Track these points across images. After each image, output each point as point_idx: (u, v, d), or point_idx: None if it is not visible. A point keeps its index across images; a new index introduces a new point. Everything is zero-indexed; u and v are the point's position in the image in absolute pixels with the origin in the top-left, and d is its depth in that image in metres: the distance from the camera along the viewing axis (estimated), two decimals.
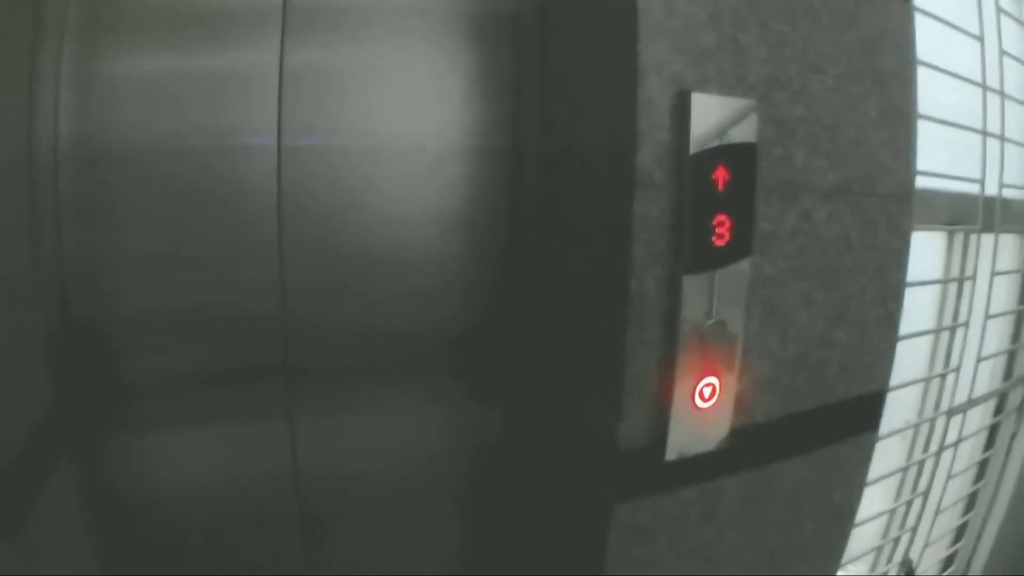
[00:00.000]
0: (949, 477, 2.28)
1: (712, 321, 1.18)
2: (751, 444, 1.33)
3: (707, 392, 1.21)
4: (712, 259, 1.16)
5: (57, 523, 1.14)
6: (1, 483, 0.95)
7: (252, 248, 1.20)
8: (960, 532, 2.61)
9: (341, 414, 1.31)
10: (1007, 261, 2.33)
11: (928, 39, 1.75)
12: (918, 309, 2.00)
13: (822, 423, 1.45)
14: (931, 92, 1.79)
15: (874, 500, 2.03)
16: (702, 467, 1.28)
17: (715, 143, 1.14)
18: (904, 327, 1.64)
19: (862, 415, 1.56)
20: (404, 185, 1.26)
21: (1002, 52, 2.15)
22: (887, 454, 2.04)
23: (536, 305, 1.30)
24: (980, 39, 2.04)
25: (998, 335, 2.43)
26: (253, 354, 1.25)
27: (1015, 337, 2.51)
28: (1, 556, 0.92)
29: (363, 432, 1.32)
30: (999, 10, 2.15)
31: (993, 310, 2.21)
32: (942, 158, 1.87)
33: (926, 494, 2.21)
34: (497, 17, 1.29)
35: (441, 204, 1.28)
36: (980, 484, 2.58)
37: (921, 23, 1.68)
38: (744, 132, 1.17)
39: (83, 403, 1.18)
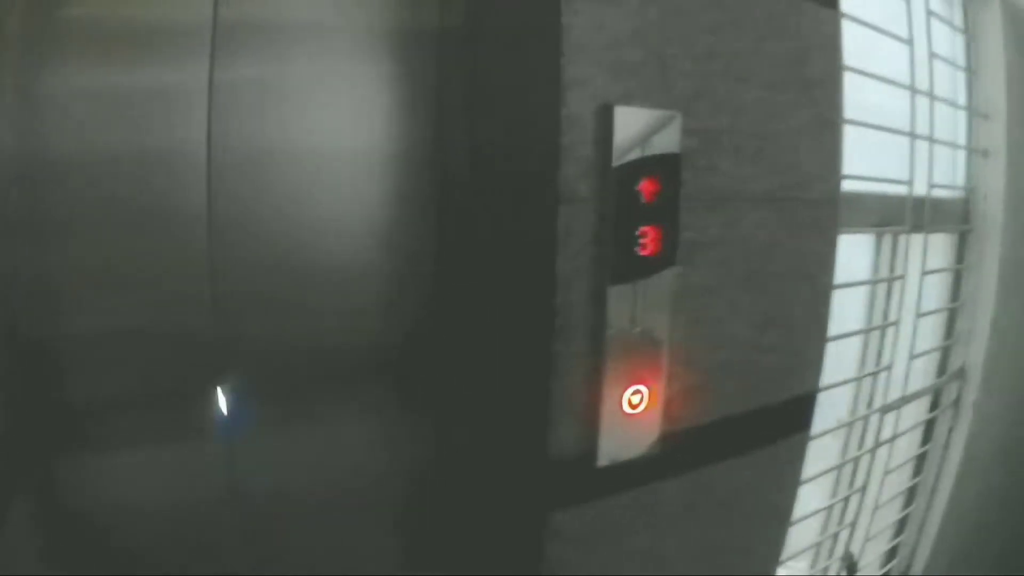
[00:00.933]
0: (886, 472, 2.32)
1: (638, 330, 1.19)
2: (683, 449, 1.35)
3: (636, 399, 1.23)
4: (637, 270, 1.18)
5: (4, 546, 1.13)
6: None
7: (183, 265, 1.17)
8: (902, 525, 2.65)
9: (278, 431, 1.28)
10: (937, 260, 2.37)
11: (857, 42, 1.78)
12: (849, 309, 2.04)
13: (753, 426, 1.48)
14: (860, 95, 1.82)
15: (812, 497, 2.06)
16: (635, 473, 1.30)
17: (638, 155, 1.15)
18: (835, 328, 1.68)
19: (793, 417, 1.59)
20: (334, 199, 1.24)
21: (932, 55, 2.19)
22: (823, 452, 2.08)
23: (466, 317, 1.30)
24: (909, 42, 2.08)
25: (931, 332, 2.47)
26: (187, 372, 1.21)
27: (948, 333, 2.56)
28: None
29: (300, 447, 1.30)
30: (929, 12, 2.19)
31: (924, 308, 2.25)
32: (872, 160, 1.91)
33: (863, 490, 2.24)
34: (424, 33, 1.28)
35: (371, 217, 1.26)
36: (919, 478, 2.63)
37: (849, 26, 1.72)
38: (668, 143, 1.19)
39: (22, 426, 1.16)
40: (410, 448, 1.36)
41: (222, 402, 1.22)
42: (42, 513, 1.20)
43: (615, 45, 1.15)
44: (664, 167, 1.18)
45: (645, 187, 1.16)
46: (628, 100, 1.16)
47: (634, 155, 1.15)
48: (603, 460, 1.24)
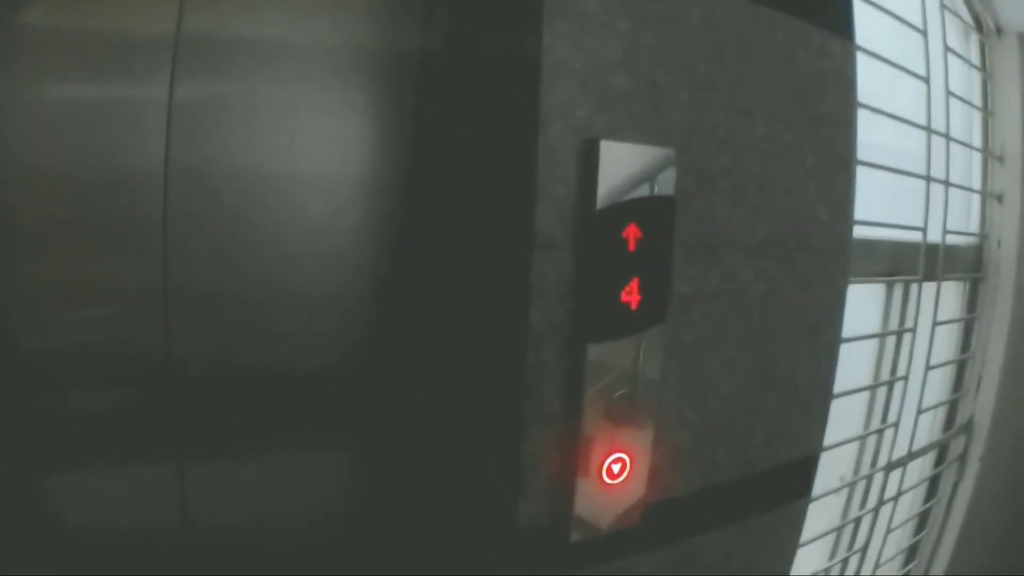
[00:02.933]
0: (888, 531, 2.20)
1: (620, 393, 1.07)
2: (668, 519, 1.23)
3: (616, 468, 1.10)
4: (621, 326, 1.06)
5: None
6: None
7: (136, 283, 1.12)
8: None
9: (229, 459, 1.23)
10: (949, 308, 2.26)
11: (869, 79, 1.67)
12: (855, 363, 1.92)
13: (747, 493, 1.35)
14: (871, 135, 1.71)
15: (811, 558, 1.94)
16: (614, 545, 1.18)
17: (626, 197, 1.02)
18: (840, 383, 1.55)
19: (792, 481, 1.47)
20: (295, 226, 1.18)
21: (948, 93, 2.07)
22: (824, 509, 1.96)
23: (430, 369, 1.19)
24: (926, 80, 1.96)
25: (939, 382, 2.36)
26: (139, 396, 1.16)
27: (956, 384, 2.44)
28: None
29: (251, 478, 1.25)
30: (946, 49, 2.08)
31: (934, 360, 2.13)
32: (882, 204, 1.79)
33: (864, 550, 2.12)
34: (399, 54, 1.20)
35: (335, 248, 1.20)
36: (922, 534, 2.51)
37: (863, 63, 1.60)
38: (660, 184, 1.07)
39: None
40: (362, 490, 1.30)
41: (172, 424, 1.16)
42: None
43: (602, 71, 1.02)
44: (656, 211, 1.06)
45: (632, 232, 1.03)
46: (616, 133, 1.03)
47: (621, 197, 1.01)
48: (576, 534, 1.10)
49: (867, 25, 1.71)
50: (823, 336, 1.42)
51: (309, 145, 1.18)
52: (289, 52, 1.17)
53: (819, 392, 1.46)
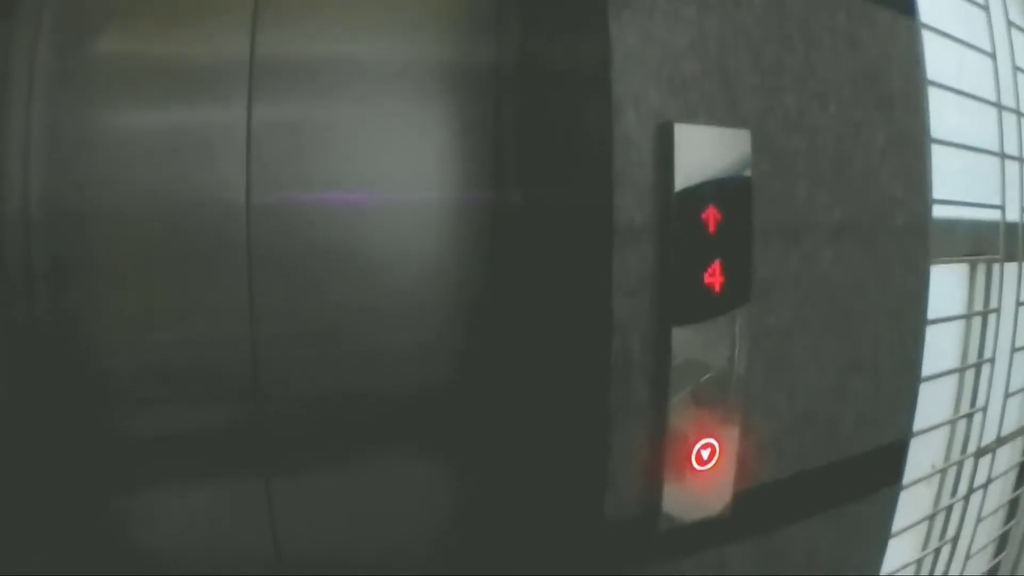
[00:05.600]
0: (979, 520, 2.14)
1: (707, 377, 1.06)
2: (757, 508, 1.21)
3: (705, 454, 1.09)
4: (704, 309, 1.05)
5: None
6: None
7: (223, 306, 1.15)
8: (994, 572, 2.46)
9: (317, 475, 1.25)
10: None
11: (937, 58, 1.64)
12: (941, 347, 1.88)
13: (837, 481, 1.33)
14: (943, 114, 1.68)
15: (902, 548, 1.90)
16: (703, 534, 1.17)
17: (704, 180, 1.02)
18: (927, 367, 1.52)
19: (882, 468, 1.44)
20: (377, 242, 1.19)
21: (1015, 68, 2.03)
22: (915, 499, 1.91)
23: (516, 365, 1.19)
24: (992, 55, 1.92)
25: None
26: (226, 414, 1.20)
27: None
28: None
29: (340, 493, 1.26)
30: (1009, 24, 2.03)
31: (1019, 342, 2.07)
32: (959, 185, 1.75)
33: (955, 540, 2.06)
34: (476, 68, 1.22)
35: (416, 261, 1.21)
36: (1012, 523, 2.44)
37: (929, 41, 1.57)
38: (737, 166, 1.06)
39: (58, 463, 1.15)
40: (454, 499, 1.31)
41: (260, 445, 1.19)
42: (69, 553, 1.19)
43: (671, 58, 1.03)
44: (734, 192, 1.06)
45: (711, 215, 1.03)
46: (689, 117, 1.04)
47: (699, 180, 1.01)
48: (666, 523, 1.10)
49: (930, 4, 1.68)
50: (907, 319, 1.40)
51: (390, 162, 1.19)
52: (366, 71, 1.19)
53: (907, 377, 1.44)
